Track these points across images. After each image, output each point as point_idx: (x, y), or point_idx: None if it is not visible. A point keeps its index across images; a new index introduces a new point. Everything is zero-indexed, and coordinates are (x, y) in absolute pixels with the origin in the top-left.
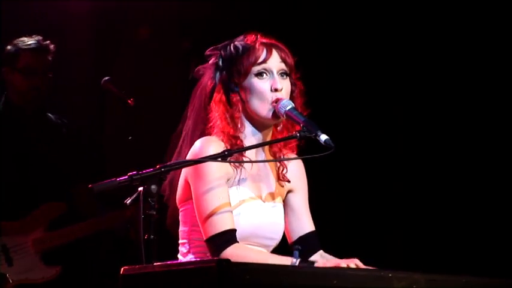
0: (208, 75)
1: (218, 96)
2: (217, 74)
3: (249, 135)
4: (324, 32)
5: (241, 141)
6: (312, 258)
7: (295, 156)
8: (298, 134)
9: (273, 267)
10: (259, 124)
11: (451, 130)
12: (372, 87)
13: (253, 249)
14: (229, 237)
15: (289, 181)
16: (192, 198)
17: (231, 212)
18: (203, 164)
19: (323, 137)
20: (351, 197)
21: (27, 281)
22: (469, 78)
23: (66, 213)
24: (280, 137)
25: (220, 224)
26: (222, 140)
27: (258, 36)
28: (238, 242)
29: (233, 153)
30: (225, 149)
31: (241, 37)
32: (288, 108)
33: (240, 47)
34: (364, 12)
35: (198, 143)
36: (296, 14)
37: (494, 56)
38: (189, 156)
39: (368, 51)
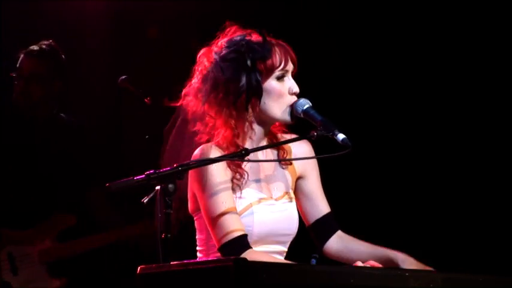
0: (225, 72)
1: (236, 99)
2: (244, 76)
3: (255, 138)
4: (336, 31)
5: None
6: (332, 240)
7: (292, 135)
8: (315, 133)
9: (290, 267)
10: (266, 124)
11: (464, 128)
12: (377, 87)
13: (266, 255)
14: (240, 243)
15: (290, 163)
16: None
17: (238, 215)
18: (204, 172)
19: (340, 136)
20: (367, 196)
21: None
22: (471, 79)
23: (76, 223)
24: (275, 130)
25: (229, 230)
26: (222, 147)
27: (266, 35)
28: (250, 247)
29: (250, 152)
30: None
31: (242, 34)
32: (305, 108)
33: (264, 48)
34: (378, 12)
35: (197, 153)
36: (305, 14)
37: (494, 56)
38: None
39: (371, 50)
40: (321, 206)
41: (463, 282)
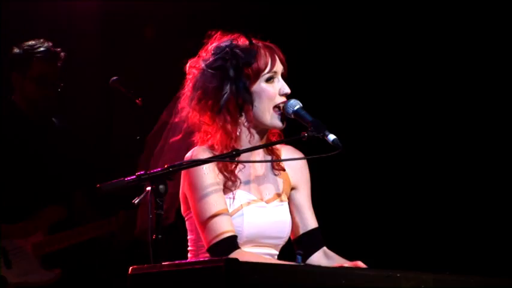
0: (212, 80)
1: (225, 106)
2: (228, 84)
3: (252, 141)
4: (330, 31)
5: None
6: (315, 256)
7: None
8: (305, 134)
9: (281, 267)
10: (260, 128)
11: (457, 129)
12: (374, 87)
13: (255, 255)
14: (229, 244)
15: (283, 169)
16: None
17: (229, 217)
18: (195, 174)
19: (331, 137)
20: (358, 197)
21: (26, 284)
22: (469, 79)
23: (66, 217)
24: (272, 136)
25: (219, 232)
26: (214, 149)
27: (252, 39)
28: (239, 247)
29: (241, 153)
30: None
31: (229, 39)
32: (296, 108)
33: (249, 53)
34: (368, 13)
35: (189, 154)
36: (300, 14)
37: (494, 56)
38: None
39: (373, 52)
40: (308, 220)
41: (454, 283)
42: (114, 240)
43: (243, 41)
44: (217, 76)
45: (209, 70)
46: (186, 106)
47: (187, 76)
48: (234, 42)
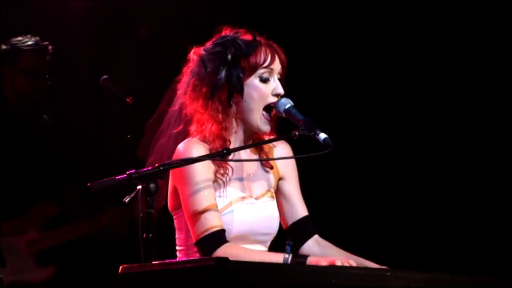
0: (209, 66)
1: (217, 93)
2: (223, 70)
3: (240, 134)
4: (323, 30)
5: (231, 143)
6: (307, 244)
7: (277, 139)
8: (297, 133)
9: (272, 266)
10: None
11: (451, 129)
12: (370, 86)
13: (243, 248)
14: (218, 238)
15: (272, 167)
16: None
17: (219, 212)
18: (188, 167)
19: (322, 136)
20: (349, 196)
21: (21, 281)
22: (468, 78)
23: (59, 214)
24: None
25: (208, 225)
26: (207, 141)
27: (256, 34)
28: (227, 241)
29: (231, 151)
30: (207, 151)
31: (233, 32)
32: (287, 107)
33: (249, 46)
34: (365, 10)
35: (181, 146)
36: (296, 13)
37: (494, 56)
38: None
39: (366, 50)
40: (298, 209)
41: (445, 282)
42: (106, 238)
43: (246, 37)
44: (214, 61)
45: (207, 55)
46: (183, 93)
47: (188, 63)
48: (237, 35)
